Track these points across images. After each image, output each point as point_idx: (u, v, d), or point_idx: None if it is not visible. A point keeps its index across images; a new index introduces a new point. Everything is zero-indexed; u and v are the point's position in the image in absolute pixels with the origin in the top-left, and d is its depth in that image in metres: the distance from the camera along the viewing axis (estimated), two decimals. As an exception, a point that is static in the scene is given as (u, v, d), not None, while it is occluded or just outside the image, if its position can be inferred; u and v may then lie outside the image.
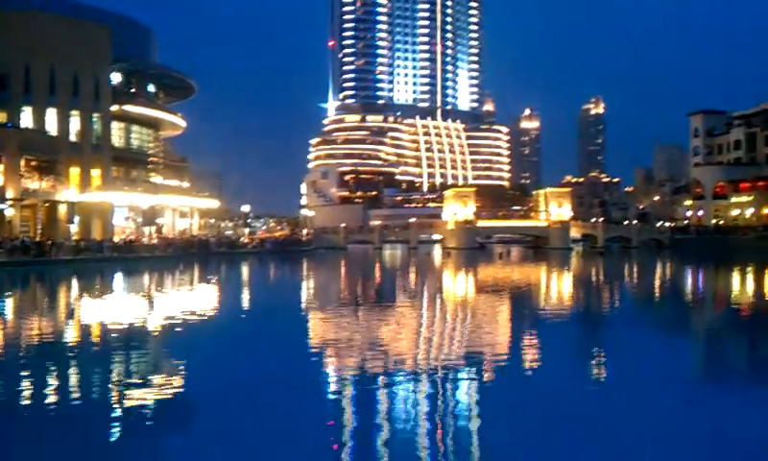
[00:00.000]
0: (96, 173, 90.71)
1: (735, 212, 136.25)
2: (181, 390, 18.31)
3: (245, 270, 74.10)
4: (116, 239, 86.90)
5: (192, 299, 43.63)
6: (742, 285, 56.43)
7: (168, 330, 29.20)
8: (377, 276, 68.81)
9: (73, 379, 20.04)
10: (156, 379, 19.31)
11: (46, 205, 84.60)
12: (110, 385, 18.98)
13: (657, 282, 60.72)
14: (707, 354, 25.65)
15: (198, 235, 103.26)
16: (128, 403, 16.59)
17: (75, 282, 55.63)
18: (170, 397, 17.42)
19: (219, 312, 37.52)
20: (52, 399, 17.26)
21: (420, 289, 51.98)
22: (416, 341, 26.39)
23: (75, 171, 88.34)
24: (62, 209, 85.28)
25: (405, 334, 28.03)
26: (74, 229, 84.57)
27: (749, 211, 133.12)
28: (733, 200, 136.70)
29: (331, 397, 17.51)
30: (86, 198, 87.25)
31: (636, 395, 17.58)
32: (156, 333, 28.68)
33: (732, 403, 17.08)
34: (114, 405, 16.57)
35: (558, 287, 56.20)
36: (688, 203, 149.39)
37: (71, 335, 28.74)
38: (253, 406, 16.31)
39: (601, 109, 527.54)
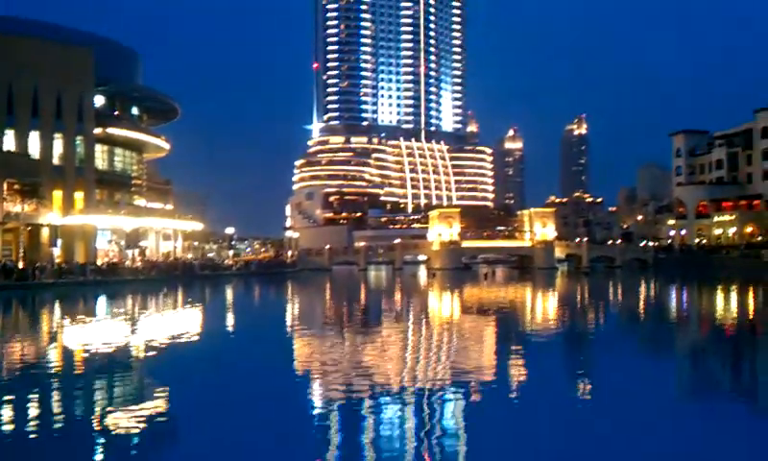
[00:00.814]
0: (79, 196, 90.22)
1: (718, 231, 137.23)
2: (163, 415, 18.11)
3: (229, 293, 73.73)
4: (99, 262, 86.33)
5: (175, 322, 43.32)
6: (726, 304, 56.71)
7: (150, 355, 28.95)
8: (362, 297, 68.65)
9: (54, 404, 19.79)
10: (137, 405, 19.11)
11: (28, 228, 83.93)
12: (92, 410, 18.75)
13: (641, 303, 60.90)
14: (691, 375, 25.70)
15: (182, 258, 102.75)
16: (108, 428, 16.39)
17: (57, 306, 55.12)
18: (150, 422, 17.23)
19: (202, 336, 37.24)
20: (32, 423, 17.02)
21: (406, 311, 51.86)
22: (401, 364, 26.29)
23: (58, 194, 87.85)
24: (45, 233, 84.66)
25: (390, 357, 27.91)
26: (57, 252, 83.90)
27: (731, 230, 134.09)
28: (716, 219, 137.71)
29: (315, 421, 17.38)
30: (69, 221, 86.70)
31: (621, 415, 17.57)
32: (138, 358, 28.43)
33: (716, 423, 17.09)
34: (95, 430, 16.36)
35: (543, 308, 56.26)
36: (671, 222, 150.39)
37: (53, 360, 28.41)
38: (236, 431, 16.15)
39: (584, 130, 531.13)
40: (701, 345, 33.38)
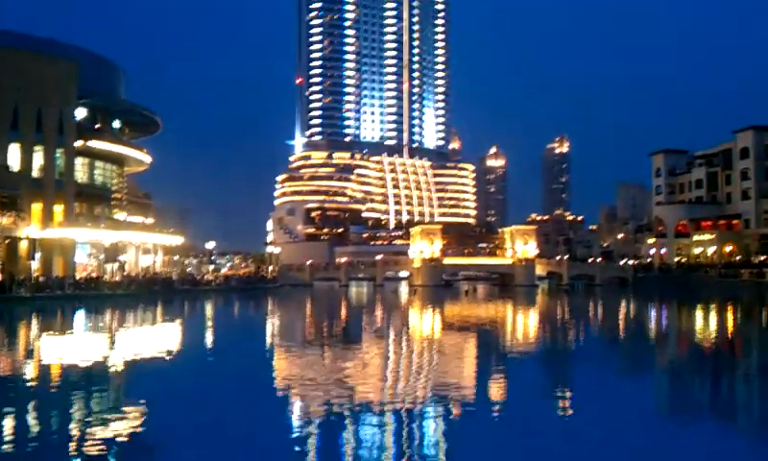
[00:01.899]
0: (59, 209, 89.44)
1: (698, 250, 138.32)
2: (138, 433, 17.92)
3: (208, 308, 73.30)
4: (78, 276, 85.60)
5: (153, 338, 42.98)
6: (704, 323, 57.07)
7: (127, 371, 28.69)
8: (342, 313, 68.48)
9: (30, 419, 19.54)
10: (112, 422, 18.90)
11: (6, 241, 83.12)
12: (65, 425, 18.53)
13: (620, 320, 61.17)
14: (667, 394, 25.80)
15: (161, 273, 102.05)
16: (81, 445, 16.18)
17: (34, 321, 54.55)
18: (125, 439, 17.03)
19: (180, 352, 36.96)
20: (7, 438, 16.78)
21: (386, 327, 51.77)
22: (380, 381, 26.21)
23: (37, 207, 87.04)
24: (23, 246, 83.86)
25: (370, 374, 27.83)
26: (35, 265, 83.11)
27: (711, 249, 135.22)
28: (695, 238, 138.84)
29: (293, 438, 17.26)
30: (48, 234, 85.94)
31: (599, 432, 17.59)
32: (114, 374, 28.16)
33: (695, 440, 17.15)
34: (68, 447, 16.16)
35: (523, 325, 56.37)
36: (651, 241, 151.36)
37: (28, 374, 28.08)
38: (212, 448, 16.01)
39: (565, 149, 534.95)
40: (678, 363, 33.55)
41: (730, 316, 63.47)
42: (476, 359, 34.04)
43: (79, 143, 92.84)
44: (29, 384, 25.89)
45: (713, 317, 62.28)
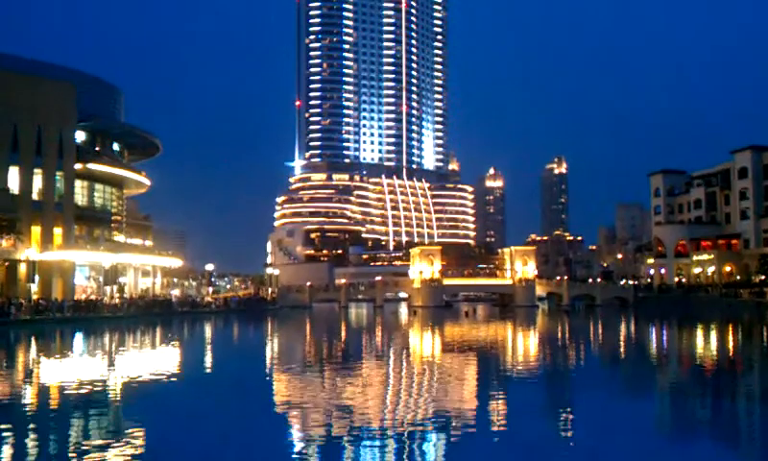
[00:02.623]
0: (58, 231, 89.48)
1: (697, 270, 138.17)
2: (137, 456, 17.77)
3: (208, 330, 73.03)
4: (77, 299, 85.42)
5: (152, 361, 42.78)
6: (705, 344, 56.86)
7: (126, 394, 28.52)
8: (342, 335, 68.22)
9: (29, 443, 19.38)
10: (110, 446, 18.74)
11: (6, 264, 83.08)
12: (64, 449, 18.37)
13: (621, 342, 60.93)
14: (670, 416, 25.64)
15: (160, 295, 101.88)
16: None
17: (33, 344, 54.33)
18: (127, 464, 16.89)
19: (178, 375, 36.76)
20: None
21: (386, 349, 51.56)
22: (381, 404, 26.04)
23: (36, 229, 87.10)
24: (23, 269, 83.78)
25: (370, 397, 27.65)
26: (34, 288, 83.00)
27: (710, 269, 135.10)
28: (695, 258, 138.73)
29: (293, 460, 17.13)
30: (48, 257, 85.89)
31: (601, 453, 17.45)
32: (112, 397, 27.98)
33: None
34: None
35: (524, 346, 56.13)
36: (651, 261, 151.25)
37: (27, 398, 27.91)
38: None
39: (564, 169, 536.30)
40: (680, 385, 33.37)
41: (731, 336, 63.26)
42: (477, 381, 33.85)
43: (78, 166, 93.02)
44: (27, 408, 25.72)
45: (714, 337, 62.06)
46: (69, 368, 38.26)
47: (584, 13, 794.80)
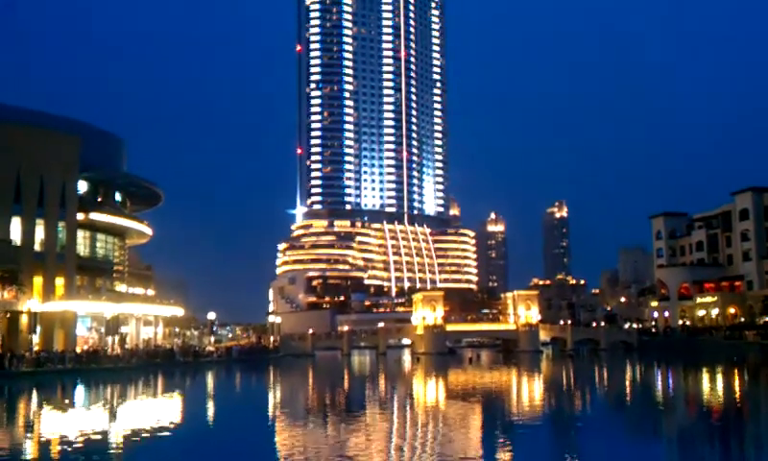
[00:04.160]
0: (60, 282, 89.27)
1: (701, 313, 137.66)
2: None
3: (210, 380, 72.54)
4: (79, 349, 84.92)
5: (153, 412, 42.39)
6: (711, 388, 56.33)
7: (127, 448, 28.18)
8: (345, 384, 67.70)
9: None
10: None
11: (7, 315, 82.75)
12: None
13: (627, 386, 60.42)
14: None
15: (162, 345, 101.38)
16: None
17: (35, 396, 53.94)
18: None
19: (180, 426, 36.38)
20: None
21: (390, 398, 51.11)
22: (386, 455, 25.71)
23: (38, 280, 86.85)
24: (24, 320, 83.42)
25: (374, 448, 27.32)
26: (36, 339, 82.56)
27: (714, 311, 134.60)
28: (698, 300, 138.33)
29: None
30: (49, 308, 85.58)
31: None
32: (113, 451, 27.65)
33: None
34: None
35: (529, 393, 55.64)
36: (654, 304, 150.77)
37: (27, 452, 27.59)
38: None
39: (564, 213, 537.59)
40: (687, 430, 32.98)
41: (737, 379, 62.72)
42: (482, 430, 33.49)
43: (80, 216, 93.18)
44: (27, 463, 25.41)
45: (720, 381, 61.53)
46: (70, 420, 37.90)
47: (582, 58, 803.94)
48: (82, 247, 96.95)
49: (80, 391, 57.22)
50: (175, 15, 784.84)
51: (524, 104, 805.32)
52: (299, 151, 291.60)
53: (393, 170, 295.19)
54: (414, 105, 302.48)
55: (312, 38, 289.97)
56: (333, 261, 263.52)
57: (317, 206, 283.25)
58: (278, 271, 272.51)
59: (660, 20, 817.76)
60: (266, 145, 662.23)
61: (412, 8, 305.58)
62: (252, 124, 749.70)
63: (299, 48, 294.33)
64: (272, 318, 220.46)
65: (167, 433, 32.46)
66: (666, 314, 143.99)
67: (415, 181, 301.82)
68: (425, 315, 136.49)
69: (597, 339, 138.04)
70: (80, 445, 28.60)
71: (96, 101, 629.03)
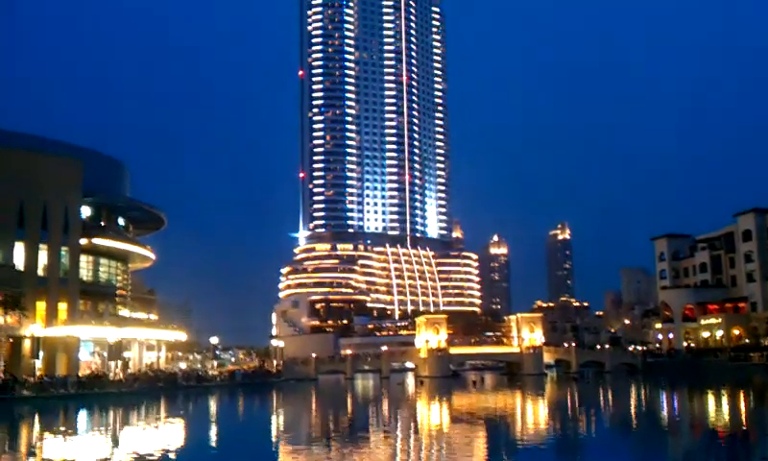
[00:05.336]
0: (63, 307, 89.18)
1: (706, 334, 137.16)
2: None
3: (213, 405, 72.26)
4: (81, 374, 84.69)
5: (156, 438, 42.17)
6: (717, 410, 56.00)
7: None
8: (349, 408, 67.38)
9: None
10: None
11: (10, 340, 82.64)
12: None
13: (632, 409, 60.08)
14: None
15: (165, 369, 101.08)
16: None
17: (37, 421, 53.71)
18: None
19: (183, 452, 36.19)
20: None
21: (394, 422, 50.84)
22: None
23: (41, 305, 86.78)
24: (27, 344, 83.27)
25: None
26: (39, 364, 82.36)
27: (719, 333, 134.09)
28: (703, 322, 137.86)
29: None
30: (52, 332, 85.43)
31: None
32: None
33: None
34: None
35: (534, 416, 55.33)
36: (658, 326, 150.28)
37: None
38: None
39: (567, 235, 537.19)
40: (694, 454, 32.74)
41: (742, 401, 62.35)
42: (486, 454, 33.26)
43: (83, 241, 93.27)
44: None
45: (726, 403, 61.17)
46: (73, 446, 37.71)
47: (584, 79, 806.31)
48: (85, 271, 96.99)
49: (82, 416, 57.01)
50: (178, 42, 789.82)
51: (526, 126, 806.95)
52: (301, 175, 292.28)
53: (395, 193, 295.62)
54: (416, 128, 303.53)
55: (314, 63, 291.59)
56: (336, 285, 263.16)
57: (320, 230, 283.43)
58: (281, 294, 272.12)
59: (666, 43, 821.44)
60: (269, 169, 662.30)
61: (413, 32, 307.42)
62: (255, 148, 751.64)
63: (301, 73, 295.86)
64: (275, 342, 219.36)
65: (171, 457, 32.27)
66: (670, 336, 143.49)
67: (417, 203, 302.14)
68: (429, 338, 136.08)
69: (602, 361, 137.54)
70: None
71: (99, 127, 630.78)
